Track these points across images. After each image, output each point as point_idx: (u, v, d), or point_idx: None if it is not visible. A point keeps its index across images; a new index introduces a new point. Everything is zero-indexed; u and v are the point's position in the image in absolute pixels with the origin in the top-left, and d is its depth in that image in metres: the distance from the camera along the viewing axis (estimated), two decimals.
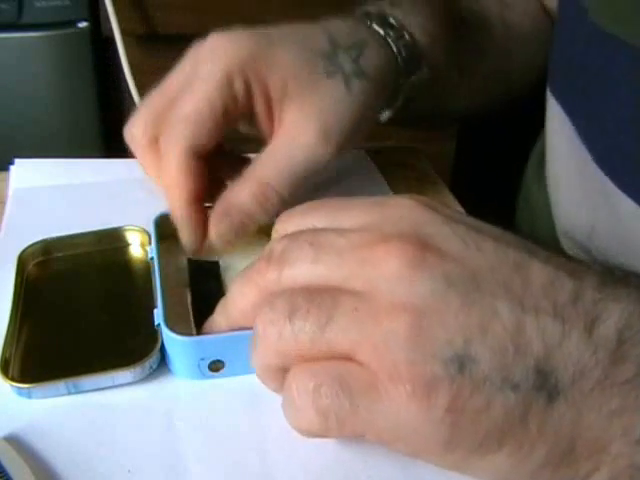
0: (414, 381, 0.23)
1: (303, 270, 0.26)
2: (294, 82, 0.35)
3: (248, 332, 0.28)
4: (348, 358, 0.25)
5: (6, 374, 0.30)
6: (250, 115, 0.37)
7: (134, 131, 0.37)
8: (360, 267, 0.25)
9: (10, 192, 0.45)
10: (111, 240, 0.39)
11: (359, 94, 0.37)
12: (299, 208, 0.30)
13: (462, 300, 0.24)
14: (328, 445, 0.29)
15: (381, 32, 0.40)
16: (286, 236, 0.28)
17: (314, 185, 0.38)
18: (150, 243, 0.37)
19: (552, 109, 0.45)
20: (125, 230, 0.39)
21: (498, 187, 1.18)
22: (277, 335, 0.26)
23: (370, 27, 0.40)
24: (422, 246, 0.25)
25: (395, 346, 0.24)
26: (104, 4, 0.75)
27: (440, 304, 0.24)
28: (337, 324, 0.25)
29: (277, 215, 0.31)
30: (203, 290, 0.35)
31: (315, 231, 0.28)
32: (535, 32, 0.51)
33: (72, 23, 0.79)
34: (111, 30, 0.75)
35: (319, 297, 0.25)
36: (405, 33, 0.41)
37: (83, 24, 0.79)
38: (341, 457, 0.29)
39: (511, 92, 0.53)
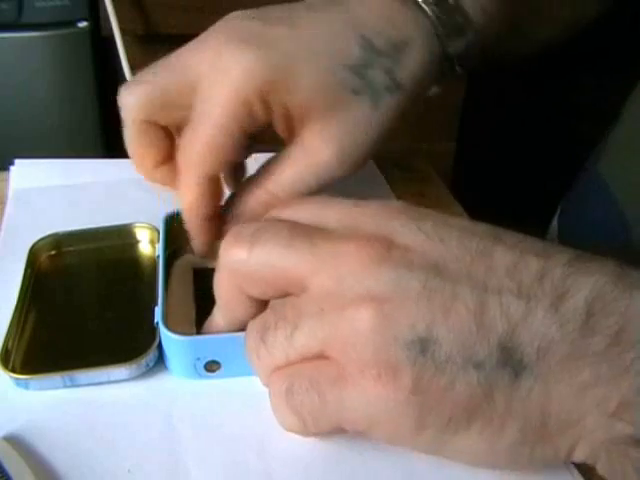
0: (378, 366, 0.24)
1: (274, 252, 0.27)
2: (316, 103, 0.33)
3: (244, 334, 0.28)
4: (322, 357, 0.26)
5: (6, 365, 0.31)
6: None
7: (131, 101, 0.34)
8: (329, 260, 0.26)
9: (10, 192, 0.45)
10: (121, 236, 0.39)
11: (388, 110, 0.34)
12: (292, 203, 0.31)
13: (423, 286, 0.25)
14: (328, 445, 0.29)
15: (429, 12, 0.35)
16: (267, 219, 0.29)
17: None
18: (159, 241, 0.37)
19: None
20: (135, 227, 0.39)
21: (498, 187, 1.18)
22: (256, 356, 0.28)
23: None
24: (388, 243, 0.26)
25: (360, 335, 0.25)
26: (104, 4, 0.74)
27: (402, 291, 0.25)
28: (303, 330, 0.26)
29: None
30: (207, 290, 0.35)
31: (296, 222, 0.29)
32: None
33: (72, 23, 0.79)
34: (111, 30, 0.75)
35: (285, 308, 0.27)
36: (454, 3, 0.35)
37: (83, 24, 0.79)
38: (341, 457, 0.29)
39: (586, 18, 0.49)
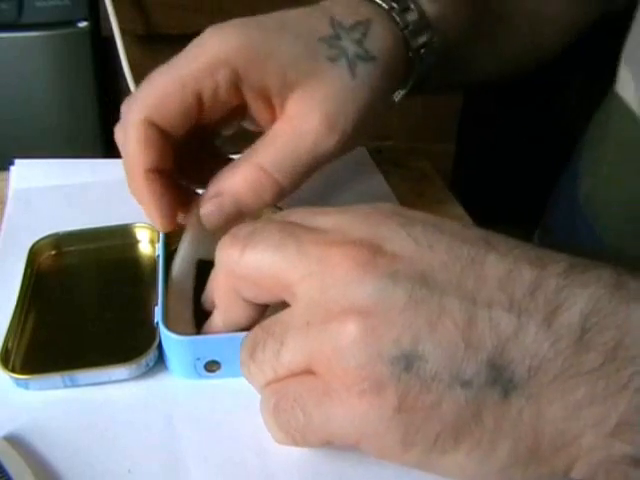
0: (362, 383, 0.23)
1: (264, 255, 0.27)
2: (293, 71, 0.34)
3: (243, 334, 0.28)
4: (309, 372, 0.25)
5: (6, 365, 0.31)
6: (241, 108, 0.35)
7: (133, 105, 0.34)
8: (316, 266, 0.25)
9: (10, 192, 0.45)
10: (121, 236, 0.39)
11: (365, 78, 0.35)
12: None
13: (409, 298, 0.24)
14: (327, 445, 0.29)
15: (385, 6, 0.37)
16: (261, 220, 0.29)
17: (314, 184, 0.38)
18: (159, 241, 0.37)
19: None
20: (135, 227, 0.39)
21: (497, 187, 1.18)
22: (247, 373, 0.27)
23: (372, 1, 0.38)
24: (375, 250, 0.25)
25: (343, 351, 0.24)
26: (104, 4, 0.74)
27: (386, 303, 0.24)
28: (289, 346, 0.25)
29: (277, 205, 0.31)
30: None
31: (288, 222, 0.28)
32: None
33: (72, 23, 0.79)
34: (111, 30, 0.75)
35: (273, 324, 0.26)
36: (410, 4, 0.38)
37: (83, 24, 0.79)
38: (341, 457, 0.29)
39: (543, 56, 0.51)
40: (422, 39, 0.39)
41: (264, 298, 0.28)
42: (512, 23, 0.47)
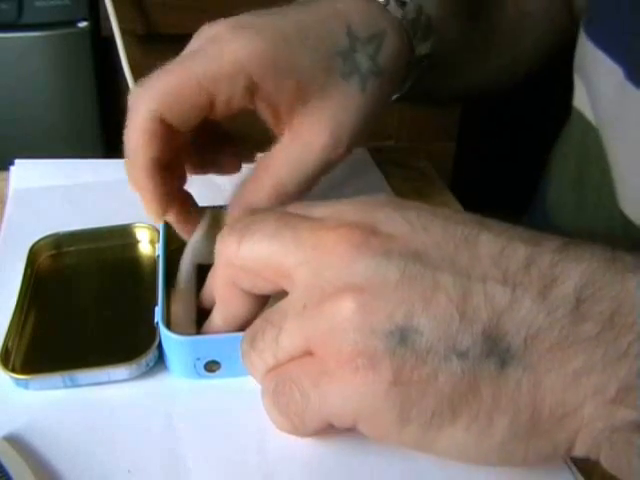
0: (357, 358, 0.24)
1: (261, 245, 0.27)
2: (308, 87, 0.34)
3: (243, 334, 0.28)
4: (308, 354, 0.26)
5: (6, 365, 0.31)
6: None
7: (142, 96, 0.34)
8: (311, 251, 0.26)
9: (10, 192, 0.45)
10: (121, 236, 0.39)
11: (373, 92, 0.36)
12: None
13: (402, 273, 0.24)
14: (328, 444, 0.29)
15: (398, 15, 0.38)
16: (260, 210, 0.29)
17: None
18: (159, 241, 0.37)
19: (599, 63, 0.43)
20: (135, 227, 0.39)
21: (498, 186, 1.18)
22: (248, 363, 0.28)
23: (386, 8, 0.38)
24: (369, 231, 0.25)
25: (338, 328, 0.24)
26: (104, 4, 0.75)
27: (380, 279, 0.24)
28: (287, 331, 0.26)
29: None
30: None
31: (284, 212, 0.29)
32: (547, 10, 0.50)
33: (72, 23, 0.79)
34: (111, 30, 0.75)
35: (271, 314, 0.27)
36: (422, 14, 0.40)
37: (83, 24, 0.79)
38: (341, 456, 0.29)
39: (523, 70, 0.52)
40: (427, 46, 0.40)
41: (263, 288, 0.29)
42: (499, 37, 0.48)
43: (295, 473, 0.28)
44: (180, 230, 0.37)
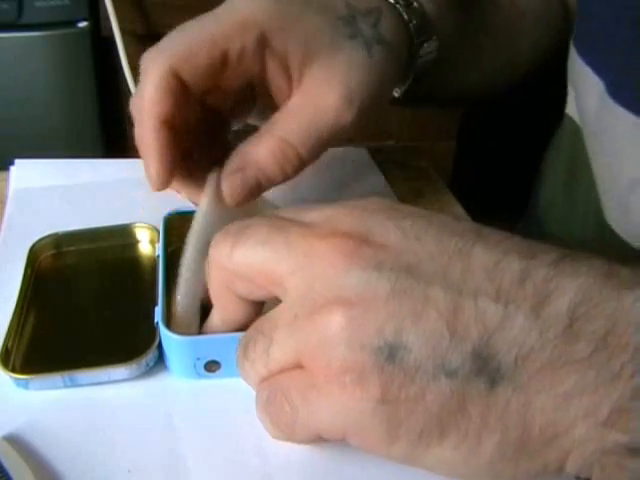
0: (345, 374, 0.23)
1: (254, 251, 0.27)
2: (316, 44, 0.34)
3: (242, 334, 0.28)
4: (299, 366, 0.25)
5: (6, 365, 0.31)
6: (259, 79, 0.35)
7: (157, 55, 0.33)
8: (303, 259, 0.25)
9: (10, 192, 0.45)
10: (121, 236, 0.39)
11: (380, 60, 0.36)
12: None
13: (392, 287, 0.23)
14: (327, 445, 0.29)
15: (402, 12, 0.39)
16: (256, 217, 0.29)
17: (315, 184, 0.38)
18: (159, 241, 0.37)
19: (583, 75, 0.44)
20: (135, 227, 0.39)
21: (498, 186, 1.18)
22: (242, 372, 0.28)
23: None
24: (361, 241, 0.25)
25: (328, 341, 0.24)
26: (104, 4, 0.75)
27: (370, 293, 0.23)
28: (278, 342, 0.26)
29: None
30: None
31: (277, 217, 0.28)
32: (543, 11, 0.50)
33: (72, 23, 0.79)
34: (111, 30, 0.75)
35: (263, 323, 0.27)
36: (414, 1, 0.40)
37: (83, 24, 0.79)
38: (340, 457, 0.29)
39: (519, 72, 0.52)
40: (424, 36, 0.40)
41: (257, 294, 0.28)
42: (494, 36, 0.48)
43: (294, 473, 0.28)
44: (189, 194, 0.36)
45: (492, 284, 0.23)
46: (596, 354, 0.22)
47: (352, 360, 0.23)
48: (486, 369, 0.23)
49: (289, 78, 0.35)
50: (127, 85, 0.73)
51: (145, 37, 0.81)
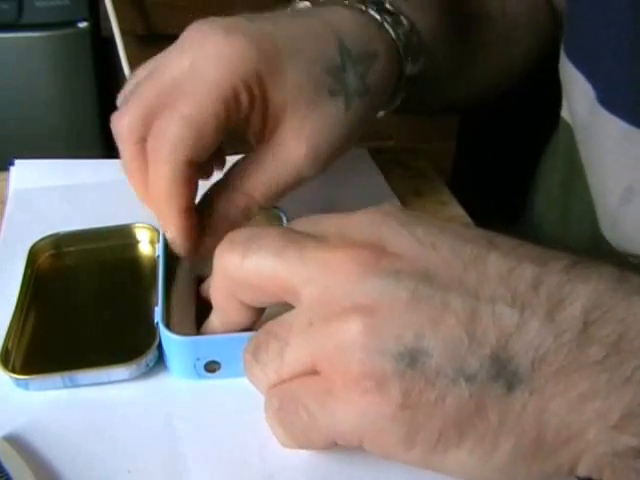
0: (366, 379, 0.23)
1: (266, 261, 0.26)
2: (295, 101, 0.34)
3: (243, 334, 0.29)
4: (314, 372, 0.25)
5: (6, 365, 0.31)
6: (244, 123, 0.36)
7: (122, 125, 0.34)
8: (318, 270, 0.25)
9: (10, 192, 0.45)
10: (121, 236, 0.39)
11: (357, 112, 0.36)
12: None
13: (411, 295, 0.24)
14: None
15: (392, 35, 0.38)
16: (264, 227, 0.29)
17: (315, 184, 0.38)
18: (159, 241, 0.37)
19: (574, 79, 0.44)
20: (135, 227, 0.39)
21: (498, 186, 1.18)
22: (251, 375, 0.27)
23: (381, 26, 0.38)
24: (378, 251, 0.25)
25: (346, 348, 0.24)
26: (104, 4, 0.75)
27: (389, 300, 0.24)
28: (293, 347, 0.25)
29: None
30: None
31: (289, 230, 0.28)
32: (534, 18, 0.50)
33: (72, 23, 0.79)
34: (111, 30, 0.75)
35: (276, 326, 0.26)
36: (404, 20, 0.39)
37: (83, 24, 0.79)
38: (342, 457, 0.29)
39: (512, 80, 0.52)
40: (417, 67, 0.40)
41: (265, 301, 0.28)
42: (489, 50, 0.48)
43: (295, 473, 0.28)
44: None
45: (507, 290, 0.24)
46: (609, 358, 0.23)
47: (371, 366, 0.23)
48: (504, 373, 0.23)
49: (265, 124, 0.35)
50: None
51: (145, 37, 0.81)
